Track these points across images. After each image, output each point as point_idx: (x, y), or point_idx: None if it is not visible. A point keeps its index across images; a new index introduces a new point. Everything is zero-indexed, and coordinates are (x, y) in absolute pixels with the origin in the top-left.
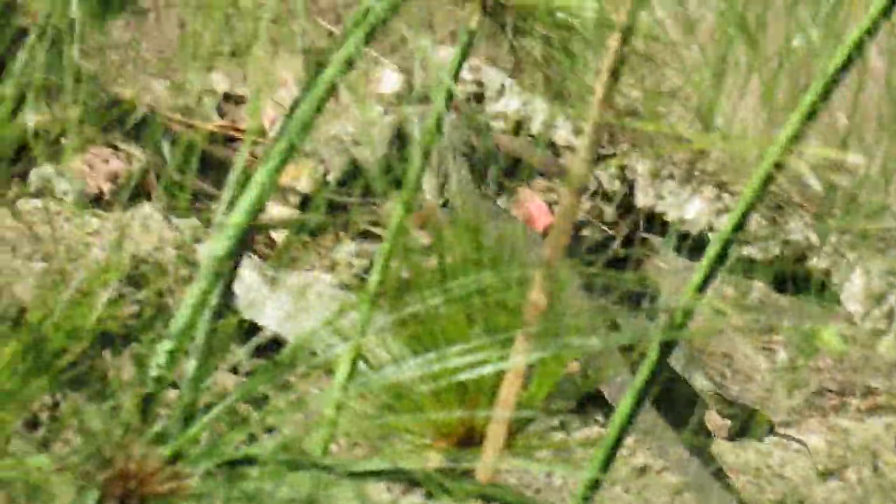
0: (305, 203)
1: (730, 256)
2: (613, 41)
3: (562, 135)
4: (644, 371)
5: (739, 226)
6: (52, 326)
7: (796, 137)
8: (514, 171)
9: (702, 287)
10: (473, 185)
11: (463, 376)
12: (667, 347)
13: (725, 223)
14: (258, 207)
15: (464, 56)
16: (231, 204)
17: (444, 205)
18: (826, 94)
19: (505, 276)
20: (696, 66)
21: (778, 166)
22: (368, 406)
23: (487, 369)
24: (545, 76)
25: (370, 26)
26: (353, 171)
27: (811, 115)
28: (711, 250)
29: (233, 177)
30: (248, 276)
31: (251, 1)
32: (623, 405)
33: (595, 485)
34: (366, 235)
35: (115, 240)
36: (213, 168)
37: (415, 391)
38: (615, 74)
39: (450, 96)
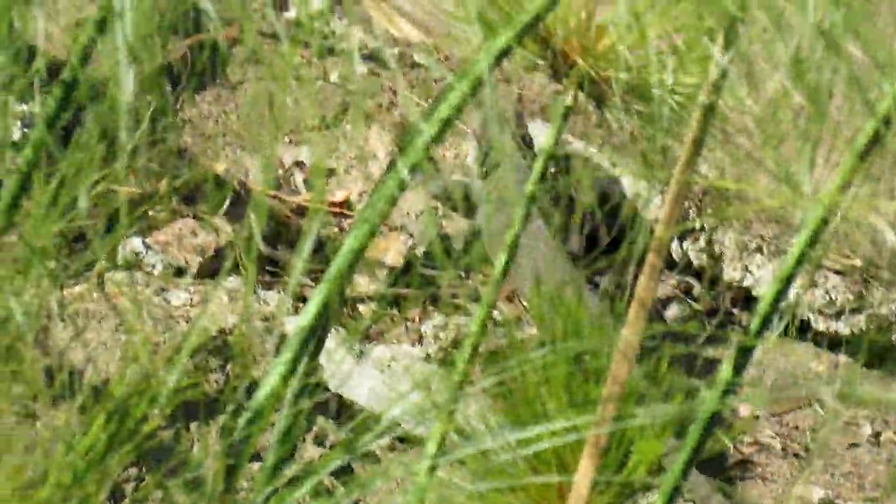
0: (393, 276)
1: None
2: (697, 111)
3: (653, 210)
4: (694, 434)
5: (790, 276)
6: (136, 395)
7: (848, 182)
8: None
9: (757, 334)
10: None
11: (555, 442)
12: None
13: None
14: (345, 277)
15: (559, 132)
16: (313, 275)
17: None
18: (878, 134)
19: (600, 345)
20: (778, 134)
21: (840, 217)
22: (459, 477)
23: (582, 438)
24: (641, 152)
25: (458, 99)
26: (442, 244)
27: (864, 156)
28: (763, 301)
29: (304, 246)
30: (335, 348)
31: (342, 75)
32: (671, 473)
33: None
34: (454, 308)
35: (201, 311)
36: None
37: (509, 462)
38: (699, 142)
39: (545, 168)
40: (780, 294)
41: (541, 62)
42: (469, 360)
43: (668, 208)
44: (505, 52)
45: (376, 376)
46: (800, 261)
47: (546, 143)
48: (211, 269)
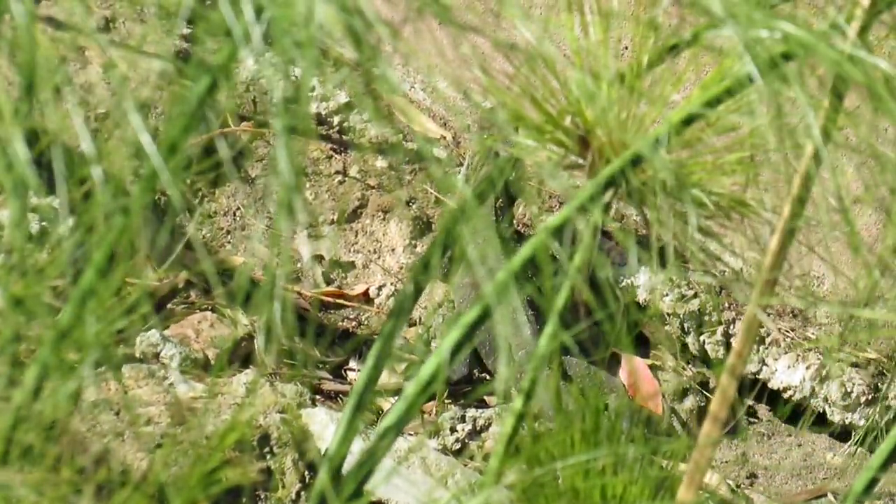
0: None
1: None
2: (781, 222)
3: (667, 302)
4: None
5: None
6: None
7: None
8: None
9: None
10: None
11: None
12: None
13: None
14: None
15: (596, 229)
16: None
17: None
18: None
19: (622, 452)
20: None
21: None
22: None
23: None
24: (675, 248)
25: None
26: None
27: None
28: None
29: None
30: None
31: (361, 169)
32: None
33: None
34: (470, 399)
35: (242, 405)
36: (320, 335)
37: None
38: (780, 252)
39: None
40: None
41: (580, 160)
42: (501, 463)
43: (745, 331)
44: (608, 186)
45: (393, 467)
46: None
47: (584, 241)
48: (228, 362)
